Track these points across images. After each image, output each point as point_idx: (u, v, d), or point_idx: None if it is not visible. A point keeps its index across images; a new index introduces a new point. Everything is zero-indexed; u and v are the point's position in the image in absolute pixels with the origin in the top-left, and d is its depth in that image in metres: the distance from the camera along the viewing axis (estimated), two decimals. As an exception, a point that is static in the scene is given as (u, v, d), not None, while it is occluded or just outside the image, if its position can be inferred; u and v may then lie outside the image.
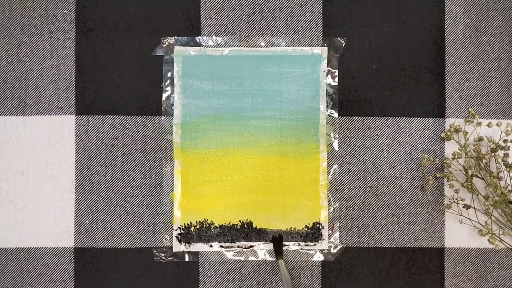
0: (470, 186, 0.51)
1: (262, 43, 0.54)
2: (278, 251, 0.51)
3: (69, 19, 0.53)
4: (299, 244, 0.53)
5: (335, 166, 0.54)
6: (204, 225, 0.53)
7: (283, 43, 0.54)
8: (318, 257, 0.53)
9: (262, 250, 0.53)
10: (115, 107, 0.53)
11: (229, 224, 0.53)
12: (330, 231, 0.53)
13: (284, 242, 0.53)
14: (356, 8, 0.54)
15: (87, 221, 0.53)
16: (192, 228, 0.53)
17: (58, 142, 0.53)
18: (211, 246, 0.53)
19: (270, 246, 0.53)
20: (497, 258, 0.53)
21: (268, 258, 0.53)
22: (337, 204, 0.53)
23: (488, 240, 0.51)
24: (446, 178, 0.53)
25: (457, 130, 0.52)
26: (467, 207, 0.52)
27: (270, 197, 0.53)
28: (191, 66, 0.53)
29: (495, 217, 0.52)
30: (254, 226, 0.53)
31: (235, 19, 0.54)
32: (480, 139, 0.52)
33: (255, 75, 0.53)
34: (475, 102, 0.54)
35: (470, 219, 0.52)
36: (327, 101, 0.53)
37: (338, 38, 0.54)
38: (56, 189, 0.53)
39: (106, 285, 0.53)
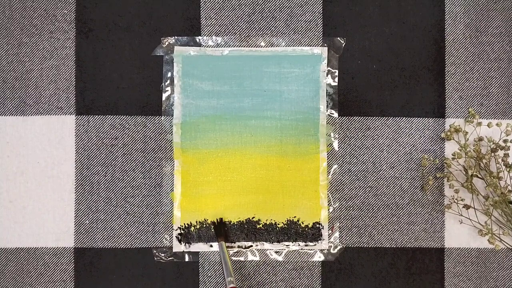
0: (470, 186, 0.51)
1: (262, 43, 0.54)
2: (218, 233, 0.52)
3: (69, 19, 0.53)
4: (299, 244, 0.53)
5: (335, 166, 0.54)
6: (204, 225, 0.53)
7: (283, 43, 0.54)
8: (318, 257, 0.53)
9: (262, 250, 0.53)
10: (115, 107, 0.53)
11: (229, 224, 0.53)
12: (330, 231, 0.53)
13: (284, 242, 0.53)
14: (356, 8, 0.54)
15: (87, 221, 0.53)
16: (192, 228, 0.53)
17: (58, 142, 0.53)
18: (211, 246, 0.53)
19: (270, 245, 0.53)
20: (497, 258, 0.53)
21: (270, 257, 0.53)
22: (337, 204, 0.53)
23: (488, 240, 0.51)
24: (446, 178, 0.53)
25: (457, 130, 0.52)
26: (467, 207, 0.52)
27: (270, 197, 0.53)
28: (191, 66, 0.53)
29: (495, 217, 0.52)
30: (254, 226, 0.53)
31: (235, 19, 0.54)
32: (480, 139, 0.52)
33: (255, 75, 0.53)
34: (475, 102, 0.54)
35: (470, 219, 0.52)
36: (327, 101, 0.53)
37: (338, 38, 0.54)
38: (56, 189, 0.53)
39: (106, 285, 0.53)
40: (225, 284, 0.47)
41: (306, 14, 0.54)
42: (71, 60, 0.53)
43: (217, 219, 0.52)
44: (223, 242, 0.51)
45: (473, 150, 0.51)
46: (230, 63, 0.53)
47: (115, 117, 0.53)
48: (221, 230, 0.52)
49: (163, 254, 0.53)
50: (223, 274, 0.48)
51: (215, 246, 0.53)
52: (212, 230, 0.53)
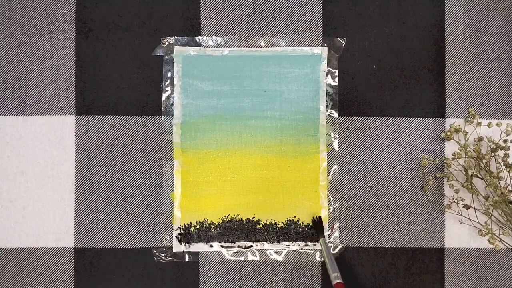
0: (470, 186, 0.51)
1: (262, 43, 0.54)
2: (319, 231, 0.52)
3: (69, 19, 0.53)
4: (299, 245, 0.53)
5: (335, 166, 0.54)
6: (204, 225, 0.53)
7: (283, 43, 0.54)
8: (318, 257, 0.53)
9: (263, 250, 0.53)
10: (115, 107, 0.53)
11: (229, 224, 0.53)
12: (330, 231, 0.53)
13: (284, 242, 0.53)
14: (356, 8, 0.54)
15: (87, 221, 0.53)
16: (192, 228, 0.53)
17: (58, 142, 0.53)
18: (211, 246, 0.53)
19: (270, 245, 0.53)
20: (497, 258, 0.53)
21: (269, 257, 0.53)
22: (337, 204, 0.53)
23: (488, 240, 0.51)
24: (446, 178, 0.53)
25: (457, 130, 0.52)
26: (467, 207, 0.52)
27: (270, 197, 0.53)
28: (191, 66, 0.53)
29: (495, 217, 0.52)
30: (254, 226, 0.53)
31: (235, 19, 0.54)
32: (480, 139, 0.52)
33: (255, 75, 0.53)
34: (475, 102, 0.54)
35: (470, 219, 0.52)
36: (327, 101, 0.53)
37: (338, 38, 0.54)
38: (56, 189, 0.53)
39: (106, 285, 0.53)
40: (331, 280, 0.45)
41: (306, 14, 0.54)
42: (71, 60, 0.53)
43: (316, 217, 0.52)
44: (325, 239, 0.51)
45: (473, 150, 0.51)
46: (230, 63, 0.53)
47: (115, 117, 0.53)
48: (322, 228, 0.52)
49: (163, 254, 0.53)
50: (328, 270, 0.46)
51: (215, 246, 0.53)
52: (311, 228, 0.53)
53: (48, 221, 0.53)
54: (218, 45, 0.54)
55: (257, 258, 0.53)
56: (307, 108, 0.53)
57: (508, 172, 0.50)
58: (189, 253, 0.53)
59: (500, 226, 0.52)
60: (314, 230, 0.52)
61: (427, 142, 0.54)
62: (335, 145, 0.54)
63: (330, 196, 0.53)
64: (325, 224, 0.53)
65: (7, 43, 0.53)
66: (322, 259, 0.52)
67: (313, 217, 0.53)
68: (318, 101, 0.53)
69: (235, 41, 0.54)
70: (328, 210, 0.53)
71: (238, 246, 0.53)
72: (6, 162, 0.53)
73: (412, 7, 0.54)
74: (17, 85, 0.53)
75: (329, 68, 0.54)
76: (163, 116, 0.53)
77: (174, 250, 0.53)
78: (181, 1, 0.53)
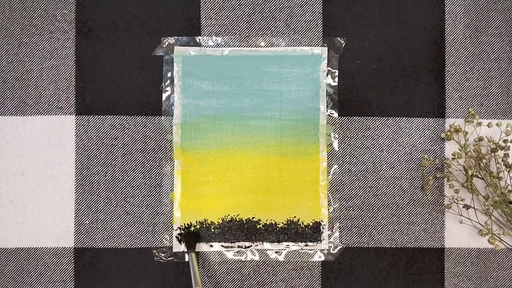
0: (470, 186, 0.51)
1: (262, 43, 0.54)
2: (190, 244, 0.52)
3: (69, 19, 0.53)
4: (299, 245, 0.53)
5: (335, 166, 0.54)
6: (204, 225, 0.53)
7: (283, 43, 0.54)
8: (318, 257, 0.53)
9: (263, 250, 0.53)
10: (115, 107, 0.53)
11: (229, 224, 0.53)
12: (330, 231, 0.53)
13: (284, 242, 0.53)
14: (356, 8, 0.54)
15: (87, 221, 0.53)
16: (192, 228, 0.53)
17: (58, 142, 0.53)
18: (211, 246, 0.53)
19: (270, 245, 0.53)
20: (497, 258, 0.53)
21: (270, 257, 0.53)
22: (337, 204, 0.53)
23: (488, 240, 0.51)
24: (446, 178, 0.53)
25: (457, 130, 0.52)
26: (467, 207, 0.52)
27: (270, 197, 0.53)
28: (191, 66, 0.53)
29: (495, 217, 0.52)
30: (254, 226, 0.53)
31: (235, 19, 0.54)
32: (480, 139, 0.52)
33: (255, 75, 0.53)
34: (475, 102, 0.54)
35: (470, 219, 0.52)
36: (327, 101, 0.53)
37: (338, 38, 0.54)
38: (56, 189, 0.53)
39: (106, 285, 0.53)
40: None
41: (306, 14, 0.54)
42: (71, 60, 0.53)
43: (187, 231, 0.52)
44: (194, 254, 0.51)
45: (473, 150, 0.51)
46: (230, 63, 0.53)
47: (115, 117, 0.53)
48: (193, 242, 0.52)
49: (163, 254, 0.53)
50: (192, 283, 0.49)
51: (216, 246, 0.53)
52: (183, 242, 0.53)
53: (48, 221, 0.53)
54: (218, 45, 0.54)
55: (257, 258, 0.53)
56: (307, 108, 0.53)
57: (508, 172, 0.50)
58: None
59: (500, 226, 0.52)
60: (186, 245, 0.52)
61: (427, 142, 0.54)
62: (335, 145, 0.54)
63: (330, 196, 0.53)
64: (325, 224, 0.53)
65: (7, 43, 0.53)
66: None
67: (183, 232, 0.53)
68: (318, 101, 0.53)
69: (235, 41, 0.54)
70: (328, 210, 0.53)
71: (238, 246, 0.53)
72: (6, 162, 0.53)
73: (412, 7, 0.54)
74: (17, 85, 0.53)
75: (329, 68, 0.54)
76: (163, 116, 0.53)
77: (174, 250, 0.53)
78: (181, 1, 0.53)
